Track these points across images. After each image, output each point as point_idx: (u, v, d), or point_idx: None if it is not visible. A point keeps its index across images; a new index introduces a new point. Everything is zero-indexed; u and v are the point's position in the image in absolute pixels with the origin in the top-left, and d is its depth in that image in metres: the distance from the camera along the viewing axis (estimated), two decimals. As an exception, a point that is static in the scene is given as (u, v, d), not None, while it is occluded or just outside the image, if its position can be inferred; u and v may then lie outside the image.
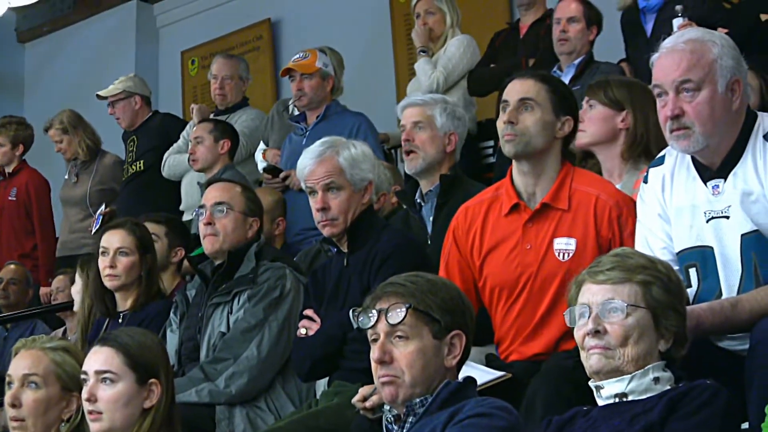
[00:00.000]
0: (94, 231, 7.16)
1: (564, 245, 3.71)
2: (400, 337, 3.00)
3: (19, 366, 3.72)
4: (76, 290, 5.65)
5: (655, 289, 2.93)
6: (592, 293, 2.97)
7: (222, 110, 7.26)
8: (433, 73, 6.46)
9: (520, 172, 3.84)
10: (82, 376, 3.46)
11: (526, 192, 3.82)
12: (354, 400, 3.50)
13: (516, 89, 3.82)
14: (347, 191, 4.20)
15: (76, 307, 5.73)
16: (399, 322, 3.00)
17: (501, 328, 3.79)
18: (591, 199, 3.72)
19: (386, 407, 3.11)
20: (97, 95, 7.55)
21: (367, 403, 3.42)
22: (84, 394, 3.42)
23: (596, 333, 2.92)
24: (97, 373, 3.40)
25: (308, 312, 4.19)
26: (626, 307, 2.90)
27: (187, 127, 7.33)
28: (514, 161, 3.86)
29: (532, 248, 3.74)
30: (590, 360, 2.93)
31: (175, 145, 7.24)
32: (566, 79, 5.90)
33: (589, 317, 2.94)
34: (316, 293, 4.26)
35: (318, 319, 4.14)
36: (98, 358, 3.43)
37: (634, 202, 3.79)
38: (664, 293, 2.93)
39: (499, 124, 3.84)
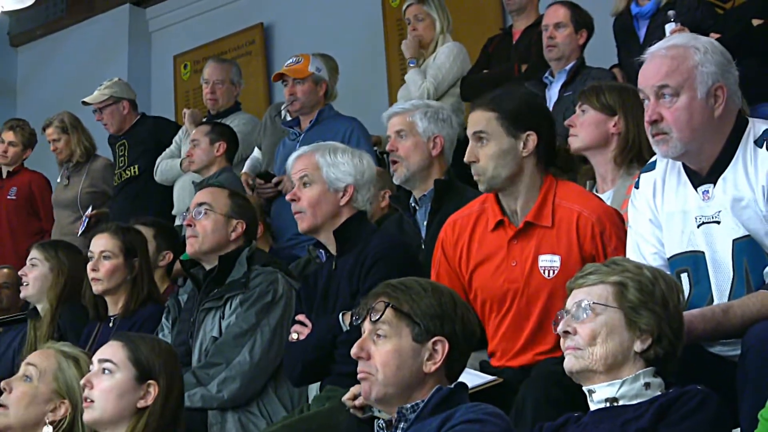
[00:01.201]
0: (80, 233, 7.17)
1: (549, 262, 3.71)
2: (379, 335, 3.03)
3: (29, 356, 3.82)
4: (40, 273, 5.51)
5: (630, 290, 2.94)
6: (572, 297, 3.02)
7: (214, 115, 7.26)
8: (423, 83, 6.46)
9: (500, 194, 3.85)
10: (90, 366, 3.51)
11: (509, 209, 3.83)
12: (344, 398, 3.53)
13: (470, 122, 3.86)
14: (319, 187, 4.23)
15: (24, 294, 5.57)
16: (378, 319, 3.02)
17: (493, 340, 3.81)
18: (573, 216, 3.72)
19: (375, 409, 3.12)
20: (83, 102, 7.54)
21: (357, 402, 3.45)
22: (82, 380, 3.46)
23: (566, 333, 2.96)
24: (100, 361, 3.45)
25: (300, 317, 4.20)
26: (593, 306, 2.93)
27: (180, 131, 7.33)
28: None
29: (517, 265, 3.75)
30: (565, 361, 2.97)
31: (167, 150, 7.24)
32: (558, 85, 5.93)
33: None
34: (308, 298, 4.27)
35: (310, 324, 4.14)
36: (105, 349, 3.50)
37: (619, 216, 3.81)
38: (638, 293, 2.94)
39: None
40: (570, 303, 3.00)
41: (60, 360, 3.76)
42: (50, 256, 5.49)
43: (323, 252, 4.31)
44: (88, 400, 3.41)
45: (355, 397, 3.46)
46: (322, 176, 4.24)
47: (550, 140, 3.87)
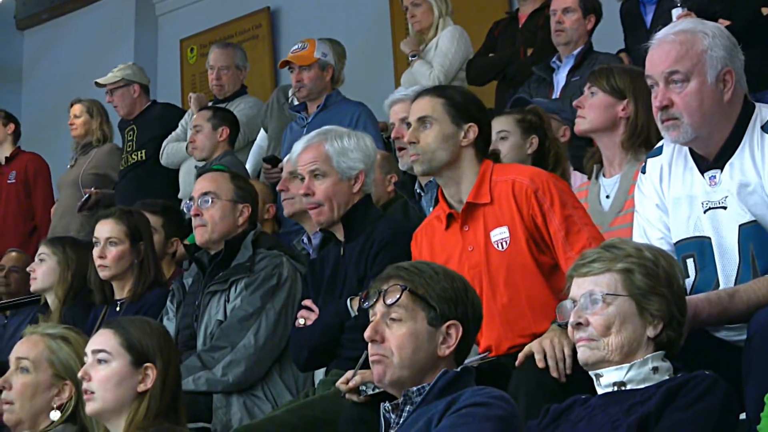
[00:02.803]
0: (78, 209, 7.21)
1: (499, 235, 3.73)
2: (393, 319, 3.02)
3: (16, 350, 3.77)
4: (49, 268, 5.58)
5: (637, 276, 2.94)
6: (577, 286, 3.00)
7: (220, 99, 7.26)
8: (432, 72, 6.44)
9: (442, 185, 3.88)
10: (84, 358, 3.48)
11: (454, 201, 3.85)
12: (338, 383, 3.53)
13: (414, 109, 3.89)
14: (332, 178, 4.22)
15: (33, 288, 5.68)
16: (394, 303, 3.01)
17: (479, 338, 3.79)
18: (509, 185, 3.74)
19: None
20: (96, 83, 7.57)
21: (350, 384, 3.45)
22: (80, 373, 3.45)
23: (579, 325, 2.95)
24: (94, 352, 3.43)
25: (306, 302, 4.20)
26: (605, 297, 2.93)
27: (186, 115, 7.34)
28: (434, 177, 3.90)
29: (474, 249, 3.76)
30: (578, 352, 2.97)
31: (173, 133, 7.25)
32: (565, 70, 5.92)
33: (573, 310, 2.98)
34: (314, 283, 4.27)
35: (316, 309, 4.15)
36: (97, 339, 3.47)
37: (555, 178, 3.82)
38: (645, 279, 2.93)
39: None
40: (576, 292, 2.99)
41: (49, 343, 3.73)
42: (57, 251, 5.54)
43: (310, 245, 4.30)
44: (88, 392, 3.39)
45: (347, 382, 3.48)
46: (334, 166, 4.24)
47: (487, 138, 3.90)
